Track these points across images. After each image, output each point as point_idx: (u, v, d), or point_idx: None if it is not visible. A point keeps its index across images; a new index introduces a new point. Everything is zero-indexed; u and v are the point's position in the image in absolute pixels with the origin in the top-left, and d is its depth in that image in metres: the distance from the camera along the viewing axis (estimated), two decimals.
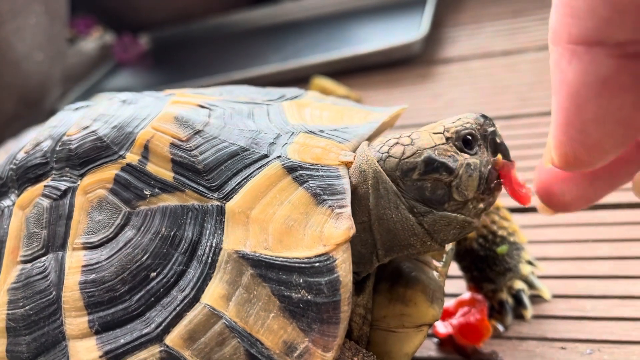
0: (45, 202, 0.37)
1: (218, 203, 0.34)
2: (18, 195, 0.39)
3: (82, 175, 0.37)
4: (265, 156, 0.36)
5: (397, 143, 0.36)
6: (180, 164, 0.35)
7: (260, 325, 0.31)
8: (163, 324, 0.32)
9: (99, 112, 0.39)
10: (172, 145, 0.36)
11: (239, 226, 0.33)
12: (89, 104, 0.43)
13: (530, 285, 0.50)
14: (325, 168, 0.35)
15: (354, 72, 0.99)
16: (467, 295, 0.50)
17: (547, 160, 0.27)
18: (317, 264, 0.32)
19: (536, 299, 0.50)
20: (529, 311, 0.48)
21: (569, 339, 0.46)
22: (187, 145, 0.36)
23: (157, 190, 0.35)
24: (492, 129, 0.37)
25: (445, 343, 0.48)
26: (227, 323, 0.31)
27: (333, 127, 0.39)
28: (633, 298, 0.47)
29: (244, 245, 0.33)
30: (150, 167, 0.36)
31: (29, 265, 0.36)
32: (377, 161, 0.35)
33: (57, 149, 0.39)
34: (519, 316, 0.49)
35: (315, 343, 0.31)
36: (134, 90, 0.46)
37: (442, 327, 0.48)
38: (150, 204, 0.35)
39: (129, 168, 0.36)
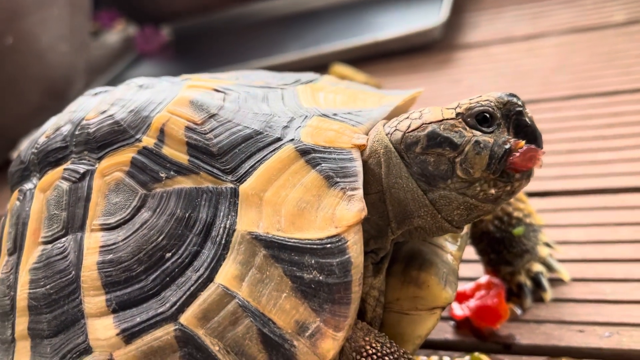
0: (65, 185, 0.38)
1: (232, 185, 0.34)
2: (39, 179, 0.40)
3: (100, 159, 0.38)
4: (279, 139, 0.36)
5: (407, 118, 0.36)
6: (195, 147, 0.36)
7: (273, 305, 0.32)
8: (178, 304, 0.33)
9: (116, 96, 0.40)
10: (188, 128, 0.36)
11: (252, 208, 0.34)
12: (107, 89, 0.43)
13: (549, 268, 0.49)
14: (338, 151, 0.35)
15: (374, 58, 0.98)
16: (484, 278, 0.50)
17: None
18: (328, 245, 0.32)
19: (555, 282, 0.49)
20: (549, 293, 0.48)
21: (587, 322, 0.45)
22: (202, 129, 0.36)
23: (172, 172, 0.36)
24: (518, 109, 0.35)
25: (461, 325, 0.48)
26: (240, 302, 0.32)
27: (346, 110, 0.39)
28: None
29: (257, 227, 0.33)
30: (166, 150, 0.36)
31: (49, 246, 0.37)
32: (386, 134, 0.36)
33: (76, 133, 0.39)
34: (538, 299, 0.48)
35: (326, 323, 0.31)
36: None
37: (459, 310, 0.48)
38: (166, 186, 0.35)
39: (145, 151, 0.37)
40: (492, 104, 0.34)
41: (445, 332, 0.48)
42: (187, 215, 0.34)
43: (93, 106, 0.40)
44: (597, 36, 0.83)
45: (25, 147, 0.43)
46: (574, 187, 0.59)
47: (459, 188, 0.34)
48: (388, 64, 0.97)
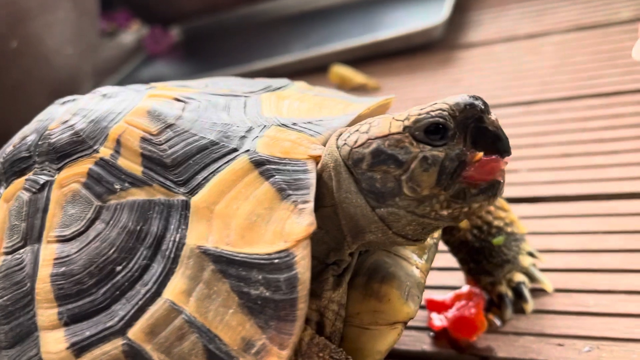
0: (26, 196, 0.38)
1: (183, 198, 0.34)
2: (5, 188, 0.40)
3: (59, 169, 0.37)
4: (235, 150, 0.35)
5: (357, 130, 0.34)
6: (149, 158, 0.35)
7: (219, 321, 0.31)
8: (126, 318, 0.32)
9: (79, 106, 0.40)
10: (143, 139, 0.36)
11: (203, 221, 0.33)
12: (75, 98, 0.43)
13: (531, 278, 0.48)
14: (293, 162, 0.34)
15: (374, 58, 0.97)
16: (465, 288, 0.48)
17: None
18: (276, 261, 0.31)
19: (537, 293, 0.48)
20: (530, 304, 0.47)
21: (567, 335, 0.44)
22: (157, 140, 0.36)
23: (127, 184, 0.35)
24: (477, 115, 0.31)
25: (440, 337, 0.47)
26: (186, 318, 0.31)
27: (307, 119, 0.38)
28: (639, 293, 0.45)
29: (206, 241, 0.32)
30: (122, 162, 0.36)
31: (9, 257, 0.37)
32: (337, 148, 0.34)
33: (39, 142, 0.39)
34: (519, 310, 0.47)
35: (272, 340, 0.31)
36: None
37: (438, 320, 0.47)
38: (120, 198, 0.35)
39: (102, 162, 0.36)
40: (445, 113, 0.31)
41: (424, 343, 0.47)
42: (138, 228, 0.34)
43: (58, 116, 0.40)
44: (601, 34, 0.80)
45: None
46: (566, 192, 0.57)
47: (407, 206, 0.32)
48: (389, 64, 0.95)
